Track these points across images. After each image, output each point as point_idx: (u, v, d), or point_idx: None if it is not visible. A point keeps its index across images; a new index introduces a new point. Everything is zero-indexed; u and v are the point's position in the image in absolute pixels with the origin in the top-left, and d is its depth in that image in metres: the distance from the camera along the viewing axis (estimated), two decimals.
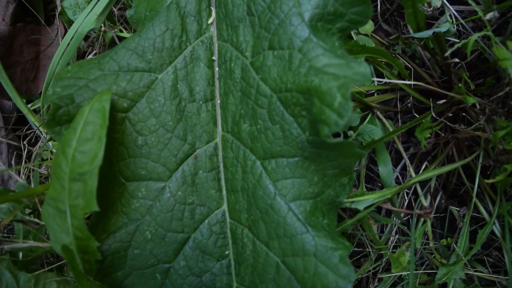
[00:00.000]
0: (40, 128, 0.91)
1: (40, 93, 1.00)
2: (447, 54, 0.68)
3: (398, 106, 0.88)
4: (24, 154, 0.89)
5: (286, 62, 0.59)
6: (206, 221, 0.67)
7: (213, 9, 0.70)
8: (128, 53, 0.67)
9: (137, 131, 0.66)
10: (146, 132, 0.66)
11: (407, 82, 0.83)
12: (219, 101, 0.68)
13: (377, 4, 0.96)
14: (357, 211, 0.73)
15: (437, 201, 0.94)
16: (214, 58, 0.69)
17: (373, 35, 0.90)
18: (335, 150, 0.56)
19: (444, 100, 0.90)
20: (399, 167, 0.94)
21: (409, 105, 0.90)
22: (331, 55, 0.56)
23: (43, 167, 0.84)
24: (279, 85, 0.59)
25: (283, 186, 0.61)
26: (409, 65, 0.88)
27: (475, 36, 0.69)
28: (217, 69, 0.69)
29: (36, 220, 0.68)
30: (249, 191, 0.64)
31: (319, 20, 0.59)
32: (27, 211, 0.74)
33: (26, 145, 0.88)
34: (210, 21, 0.70)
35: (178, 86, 0.68)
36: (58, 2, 0.93)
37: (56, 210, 0.62)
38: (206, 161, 0.68)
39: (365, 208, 0.70)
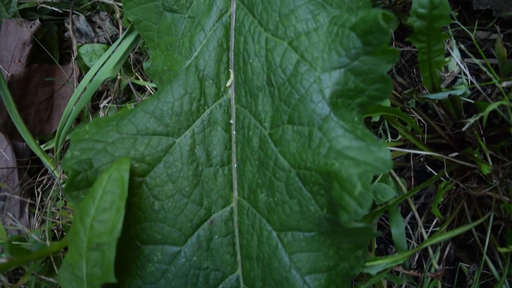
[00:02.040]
0: (54, 171, 0.91)
1: (54, 132, 1.00)
2: (464, 128, 0.68)
3: (411, 163, 0.88)
4: (38, 201, 0.89)
5: (305, 138, 0.59)
6: (221, 286, 0.67)
7: (231, 71, 0.70)
8: (146, 117, 0.68)
9: (154, 195, 0.67)
10: (163, 197, 0.67)
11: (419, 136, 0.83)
12: (235, 165, 0.68)
13: None
14: (369, 275, 0.73)
15: (446, 252, 0.94)
16: (231, 121, 0.69)
17: None
18: (353, 230, 0.56)
19: (456, 153, 0.90)
20: (408, 216, 0.94)
21: (421, 159, 0.91)
22: (351, 137, 0.56)
23: (57, 217, 0.84)
24: (298, 161, 0.60)
25: (298, 259, 0.62)
26: (421, 119, 0.89)
27: (491, 107, 0.69)
28: (234, 132, 0.69)
29: (51, 279, 0.68)
30: (264, 260, 0.64)
31: (340, 97, 0.59)
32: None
33: (40, 192, 0.89)
34: (228, 84, 0.70)
35: (196, 150, 0.68)
36: (74, 47, 0.94)
37: (73, 275, 0.63)
38: (222, 226, 0.68)
39: (378, 273, 0.70)
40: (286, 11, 0.64)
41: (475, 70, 0.98)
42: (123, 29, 0.96)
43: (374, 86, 0.59)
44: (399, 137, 0.87)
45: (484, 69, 0.70)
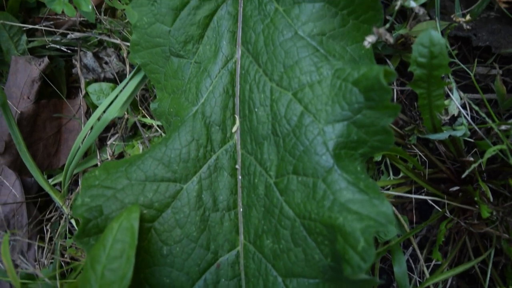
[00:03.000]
0: (63, 206, 0.93)
1: (62, 166, 1.02)
2: (464, 175, 0.70)
3: (413, 200, 0.90)
4: (47, 237, 0.91)
5: (310, 190, 0.61)
6: None
7: (237, 117, 0.72)
8: (155, 163, 0.69)
9: (162, 240, 0.68)
10: (171, 242, 0.68)
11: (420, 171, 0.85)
12: (241, 210, 0.70)
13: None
14: None
15: (448, 284, 0.96)
16: (237, 166, 0.71)
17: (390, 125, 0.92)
18: (357, 280, 0.58)
19: (457, 187, 0.92)
20: (410, 249, 0.96)
21: (423, 193, 0.93)
22: (354, 189, 0.58)
23: (65, 255, 0.86)
24: (303, 211, 0.61)
25: None
26: (422, 155, 0.91)
27: (491, 150, 0.71)
28: (240, 177, 0.71)
29: None
30: None
31: (343, 148, 0.61)
32: None
33: (49, 230, 0.91)
34: (234, 129, 0.72)
35: (203, 196, 0.70)
36: (82, 86, 0.96)
37: None
38: (228, 269, 0.70)
39: None
40: (290, 63, 0.66)
41: (476, 103, 1.00)
42: (130, 66, 0.98)
43: (376, 137, 0.61)
44: (401, 174, 0.89)
45: (486, 103, 0.72)
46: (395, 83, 0.98)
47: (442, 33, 0.94)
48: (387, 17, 0.94)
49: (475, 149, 0.98)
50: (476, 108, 0.72)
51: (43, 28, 0.98)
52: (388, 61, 0.95)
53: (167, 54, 0.77)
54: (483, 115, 0.70)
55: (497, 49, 0.96)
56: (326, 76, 0.63)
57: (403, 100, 0.99)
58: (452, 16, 0.78)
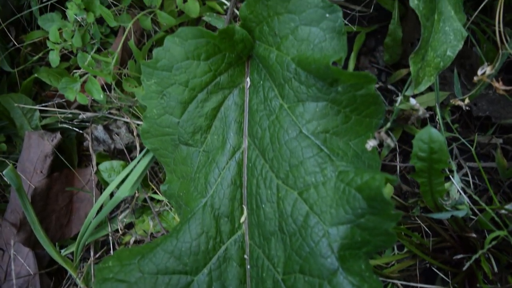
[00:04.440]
0: (76, 278, 0.96)
1: (73, 236, 1.05)
2: (464, 268, 0.72)
3: (418, 274, 0.92)
4: None
5: None
6: None
7: (245, 207, 0.75)
8: (166, 256, 0.72)
9: None
10: None
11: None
12: None
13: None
14: None
15: None
16: (245, 256, 0.73)
17: (394, 196, 0.95)
18: None
19: (461, 255, 0.94)
20: None
21: (427, 265, 0.95)
22: None
23: None
24: None
25: None
26: (425, 226, 0.93)
27: (491, 236, 0.73)
28: (248, 267, 0.73)
29: None
30: None
31: (347, 249, 0.63)
32: None
33: None
34: (242, 220, 0.75)
35: (213, 287, 0.72)
36: (93, 162, 0.99)
37: None
38: None
39: None
40: (295, 162, 0.69)
41: (477, 171, 1.02)
42: (139, 138, 1.01)
43: (380, 238, 0.63)
44: (405, 249, 0.91)
45: (488, 184, 0.74)
46: (397, 156, 1.00)
47: (443, 103, 0.96)
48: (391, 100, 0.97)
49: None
50: (477, 198, 0.74)
51: (55, 104, 1.02)
52: (390, 133, 0.98)
53: (176, 142, 0.80)
54: (483, 204, 0.72)
55: (497, 119, 0.98)
56: (330, 178, 0.66)
57: (406, 172, 1.02)
58: (451, 100, 0.80)
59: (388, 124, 0.68)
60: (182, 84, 0.76)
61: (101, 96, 0.83)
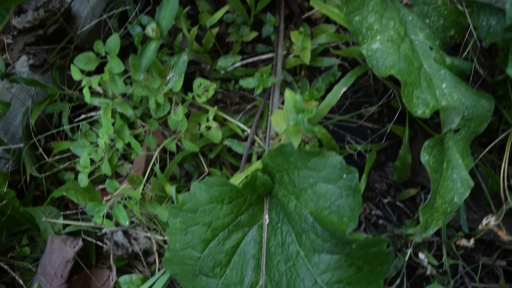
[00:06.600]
0: None
1: None
2: None
3: None
4: None
5: None
6: None
7: None
8: None
9: None
10: None
11: None
12: None
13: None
14: None
15: None
16: None
17: None
18: None
19: None
20: None
21: None
22: None
23: None
24: None
25: None
26: None
27: None
28: None
29: None
30: None
31: None
32: None
33: None
34: None
35: None
36: (113, 273, 1.03)
37: None
38: None
39: None
40: None
41: None
42: (157, 245, 1.05)
43: None
44: None
45: None
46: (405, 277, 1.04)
47: (448, 236, 1.01)
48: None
49: None
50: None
51: (79, 213, 1.07)
52: (398, 254, 1.02)
53: (197, 273, 0.85)
54: None
55: (501, 243, 1.03)
56: None
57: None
58: (455, 241, 0.85)
59: (398, 281, 0.72)
60: (205, 225, 0.81)
61: (127, 222, 0.88)
